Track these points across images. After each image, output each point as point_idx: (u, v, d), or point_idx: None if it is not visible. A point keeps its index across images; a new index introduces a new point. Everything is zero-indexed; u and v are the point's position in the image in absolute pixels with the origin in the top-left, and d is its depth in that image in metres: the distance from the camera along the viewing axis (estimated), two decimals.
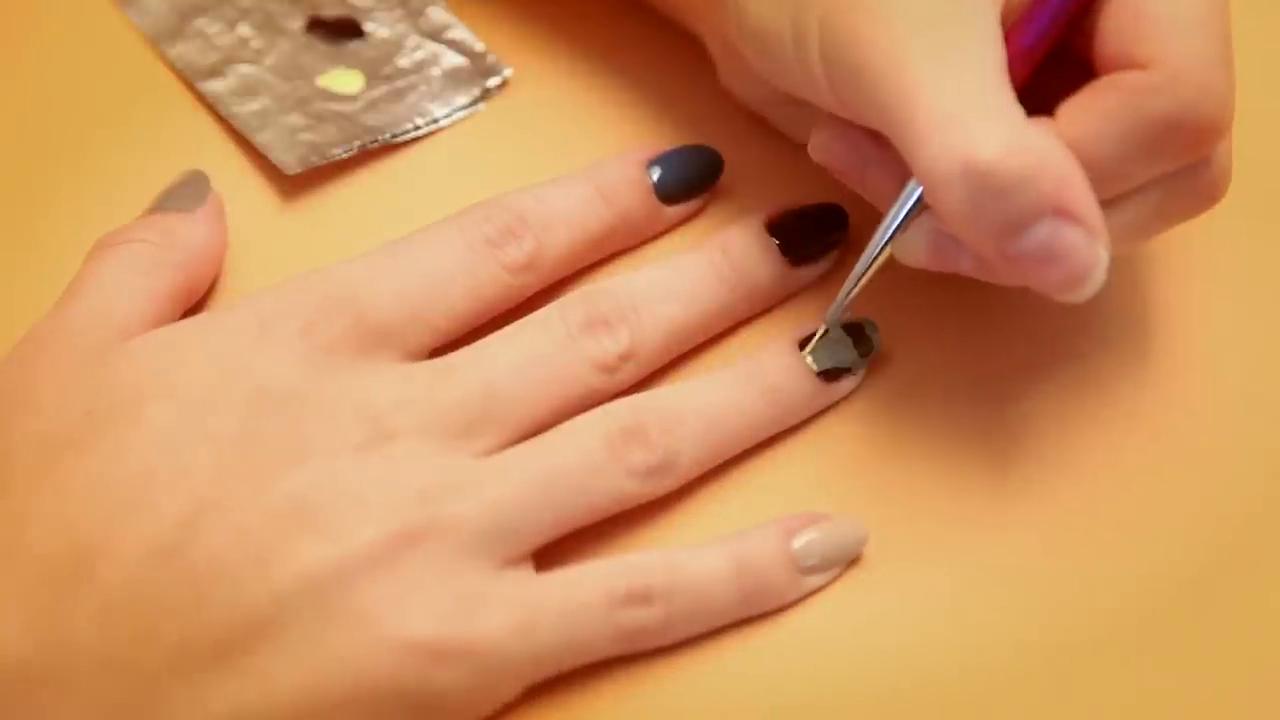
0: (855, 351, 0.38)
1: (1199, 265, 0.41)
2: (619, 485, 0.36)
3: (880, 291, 0.40)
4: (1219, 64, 0.34)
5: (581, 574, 0.35)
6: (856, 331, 0.39)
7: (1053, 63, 0.36)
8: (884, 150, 0.36)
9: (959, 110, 0.33)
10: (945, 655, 0.35)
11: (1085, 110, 0.34)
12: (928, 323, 0.40)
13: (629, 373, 0.38)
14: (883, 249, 0.36)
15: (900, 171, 0.36)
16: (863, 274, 0.37)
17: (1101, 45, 0.35)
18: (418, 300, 0.37)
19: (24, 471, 0.34)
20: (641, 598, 0.35)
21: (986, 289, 0.39)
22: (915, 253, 0.36)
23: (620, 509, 0.36)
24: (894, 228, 0.36)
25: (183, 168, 0.41)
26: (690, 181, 0.41)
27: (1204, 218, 0.39)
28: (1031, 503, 0.37)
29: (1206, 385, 0.39)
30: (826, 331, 0.38)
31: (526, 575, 0.35)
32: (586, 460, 0.36)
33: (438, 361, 0.37)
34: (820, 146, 0.38)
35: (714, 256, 0.39)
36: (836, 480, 0.38)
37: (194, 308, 0.39)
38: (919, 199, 0.35)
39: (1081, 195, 0.33)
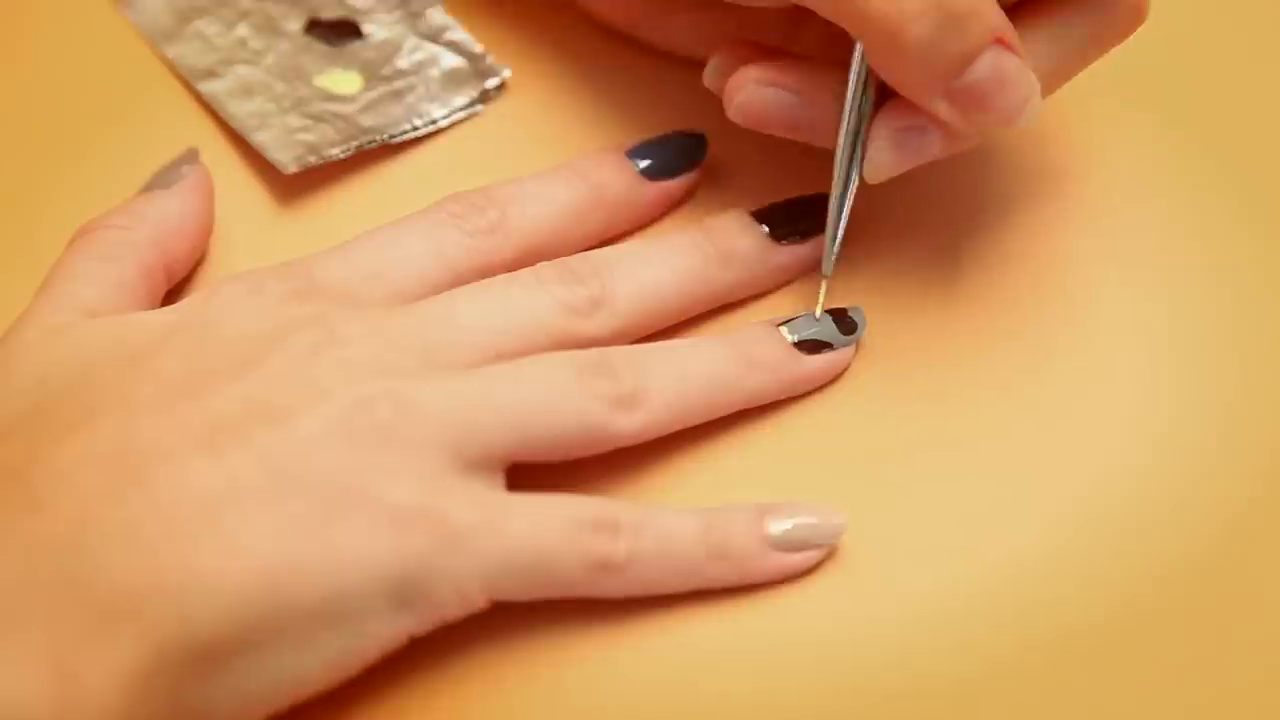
0: (837, 330, 0.38)
1: (1199, 265, 0.41)
2: (586, 407, 0.35)
3: (873, 289, 0.40)
4: None
5: (551, 496, 0.35)
6: (839, 314, 0.38)
7: None
8: (812, 78, 0.37)
9: None
10: (938, 655, 0.35)
11: None
12: (920, 319, 0.40)
13: (603, 321, 0.37)
14: (851, 172, 0.37)
15: (839, 94, 0.37)
16: (841, 208, 0.37)
17: None
18: (372, 265, 0.37)
19: None
20: (610, 526, 0.34)
21: (982, 283, 0.39)
22: (883, 161, 0.37)
23: (589, 441, 0.35)
24: (853, 147, 0.37)
25: None
26: (669, 153, 0.41)
27: (1205, 217, 0.40)
28: (1027, 501, 0.37)
29: (1206, 384, 0.39)
30: (807, 314, 0.38)
31: (494, 485, 0.34)
32: (553, 380, 0.35)
33: (400, 306, 0.36)
34: (746, 103, 0.38)
35: (691, 231, 0.39)
36: (826, 477, 0.37)
37: (182, 283, 0.40)
38: (864, 105, 0.37)
39: (1009, 27, 0.35)
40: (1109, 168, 0.42)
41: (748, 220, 0.40)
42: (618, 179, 0.40)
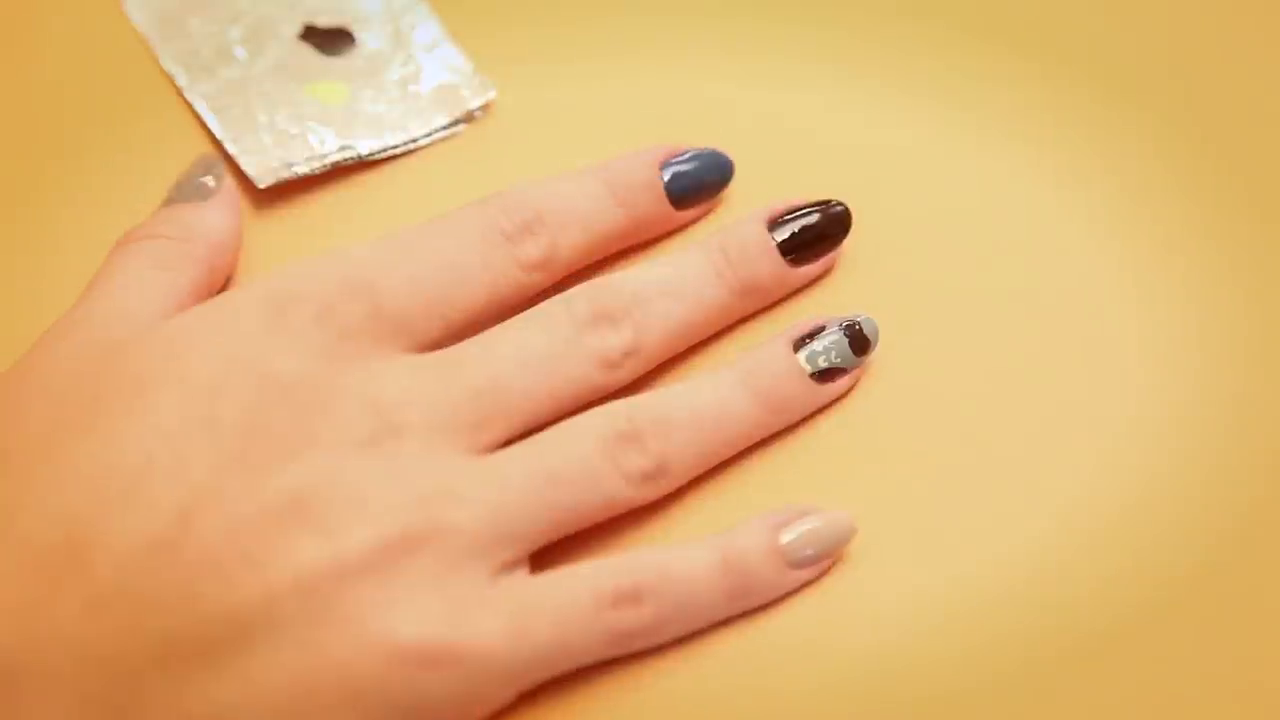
0: (851, 351, 0.38)
1: (1200, 265, 0.40)
2: (614, 489, 0.36)
3: (875, 288, 0.40)
4: None
5: (571, 575, 0.35)
6: (854, 332, 0.38)
7: None
8: None
9: None
10: (941, 657, 0.35)
11: None
12: (922, 318, 0.39)
13: (630, 369, 0.38)
14: None
15: None
16: None
17: None
18: (434, 291, 0.37)
19: (24, 456, 0.34)
20: (631, 598, 0.35)
21: (984, 283, 0.39)
22: None
23: (613, 513, 0.36)
24: None
25: (180, 167, 0.41)
26: (703, 184, 0.41)
27: (1204, 218, 0.40)
28: (1029, 503, 0.37)
29: (1206, 385, 0.39)
30: (823, 330, 0.38)
31: (520, 578, 0.35)
32: (584, 464, 0.36)
33: (447, 354, 0.37)
34: None
35: (714, 257, 0.39)
36: (831, 479, 0.38)
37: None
38: None
39: None
40: (1111, 168, 0.42)
41: (765, 242, 0.39)
42: (654, 209, 0.40)
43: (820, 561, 0.36)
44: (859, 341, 0.38)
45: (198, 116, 0.43)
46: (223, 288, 0.40)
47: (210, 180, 0.40)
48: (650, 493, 0.36)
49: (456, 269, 0.37)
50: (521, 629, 0.34)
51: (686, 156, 0.41)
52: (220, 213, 0.40)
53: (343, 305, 0.36)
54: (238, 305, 0.36)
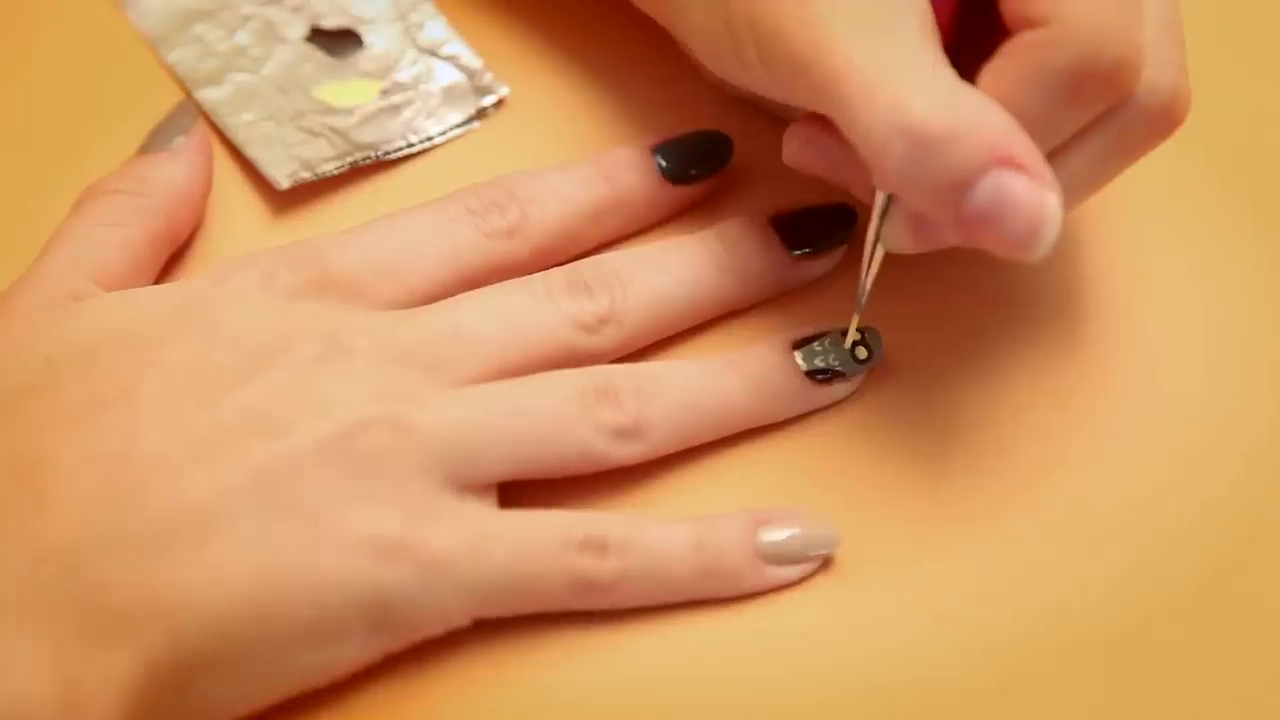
0: (852, 357, 0.38)
1: (1200, 266, 0.41)
2: (587, 438, 0.35)
3: (877, 292, 0.39)
4: (1115, 7, 0.33)
5: (540, 515, 0.35)
6: (856, 339, 0.38)
7: (986, 27, 0.36)
8: (851, 150, 0.36)
9: (886, 76, 0.33)
10: (931, 658, 0.35)
11: (998, 74, 0.34)
12: (919, 320, 0.40)
13: (610, 336, 0.37)
14: (875, 245, 0.36)
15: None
16: (867, 271, 0.37)
17: (1005, 6, 0.34)
18: (386, 261, 0.37)
19: None
20: (597, 546, 0.34)
21: (978, 289, 0.39)
22: (901, 240, 0.36)
23: (586, 467, 0.36)
24: (878, 221, 0.36)
25: None
26: (695, 157, 0.40)
27: (1206, 217, 0.41)
28: (1021, 505, 0.37)
29: (1206, 386, 0.39)
30: (825, 335, 0.38)
31: (484, 506, 0.35)
32: (556, 407, 0.35)
33: (407, 310, 0.36)
34: (792, 155, 0.38)
35: (709, 241, 0.39)
36: (824, 477, 0.37)
37: (179, 251, 0.40)
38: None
39: (1020, 142, 0.32)
40: None
41: (765, 231, 0.39)
42: (641, 182, 0.40)
43: (797, 563, 0.36)
44: (859, 350, 0.38)
45: (208, 119, 0.43)
46: (187, 245, 0.40)
47: (178, 128, 0.40)
48: (626, 452, 0.36)
49: (413, 241, 0.37)
50: (480, 547, 0.34)
51: (680, 136, 0.41)
52: (181, 165, 0.39)
53: (287, 271, 0.36)
54: (187, 281, 0.37)
